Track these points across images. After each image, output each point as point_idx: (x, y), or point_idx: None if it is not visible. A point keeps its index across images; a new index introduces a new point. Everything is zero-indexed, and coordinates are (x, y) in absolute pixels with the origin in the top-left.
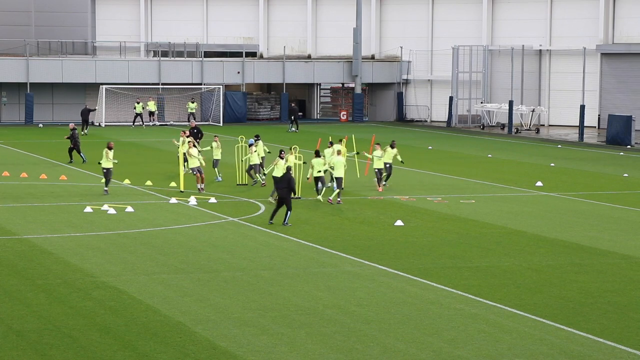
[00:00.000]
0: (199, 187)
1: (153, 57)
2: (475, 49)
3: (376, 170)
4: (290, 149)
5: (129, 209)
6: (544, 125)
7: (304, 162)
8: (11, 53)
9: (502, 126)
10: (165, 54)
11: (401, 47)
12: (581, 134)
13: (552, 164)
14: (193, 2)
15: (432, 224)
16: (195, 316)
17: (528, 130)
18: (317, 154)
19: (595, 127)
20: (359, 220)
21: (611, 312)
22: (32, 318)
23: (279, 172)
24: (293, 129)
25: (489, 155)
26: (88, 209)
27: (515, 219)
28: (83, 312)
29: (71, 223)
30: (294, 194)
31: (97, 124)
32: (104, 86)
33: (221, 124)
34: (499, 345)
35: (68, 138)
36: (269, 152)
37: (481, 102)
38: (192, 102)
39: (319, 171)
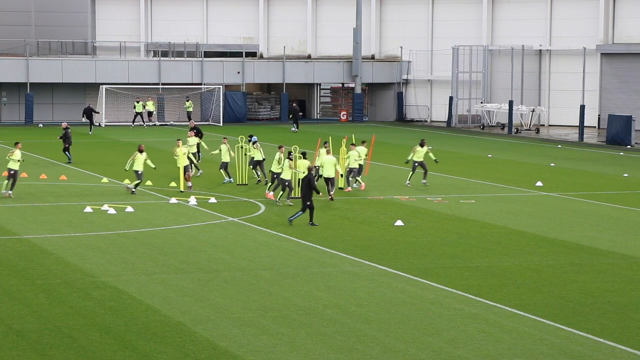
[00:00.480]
0: (189, 185)
1: (153, 57)
2: (475, 49)
3: (348, 169)
4: (288, 151)
5: (129, 209)
6: (544, 125)
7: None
8: (11, 53)
9: (502, 126)
10: (165, 54)
11: (401, 47)
12: (581, 134)
13: (552, 164)
14: (193, 2)
15: (432, 224)
16: (195, 316)
17: (528, 130)
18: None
19: (595, 127)
20: (359, 220)
21: (611, 312)
22: (32, 318)
23: (287, 174)
24: (293, 129)
25: (489, 155)
26: (88, 209)
27: (515, 219)
28: (83, 312)
29: (71, 223)
30: (317, 193)
31: (97, 123)
32: (104, 86)
33: (221, 124)
34: (499, 345)
35: (61, 138)
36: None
37: (481, 102)
38: (188, 101)
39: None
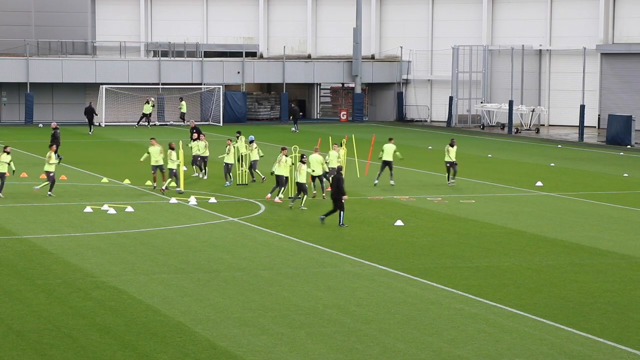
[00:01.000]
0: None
1: (153, 57)
2: (475, 49)
3: (330, 168)
4: (301, 154)
5: (129, 209)
6: (544, 125)
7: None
8: (11, 53)
9: (502, 126)
10: (165, 54)
11: (401, 47)
12: (581, 134)
13: (552, 164)
14: (193, 2)
15: (432, 224)
16: (195, 316)
17: (528, 130)
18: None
19: (595, 127)
20: (359, 220)
21: (611, 312)
22: (32, 318)
23: (302, 177)
24: (293, 129)
25: (489, 155)
26: (88, 209)
27: (515, 219)
28: (83, 312)
29: (71, 223)
30: (344, 194)
31: (97, 123)
32: (104, 86)
33: (221, 124)
34: (499, 345)
35: (52, 141)
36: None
37: (481, 102)
38: (181, 101)
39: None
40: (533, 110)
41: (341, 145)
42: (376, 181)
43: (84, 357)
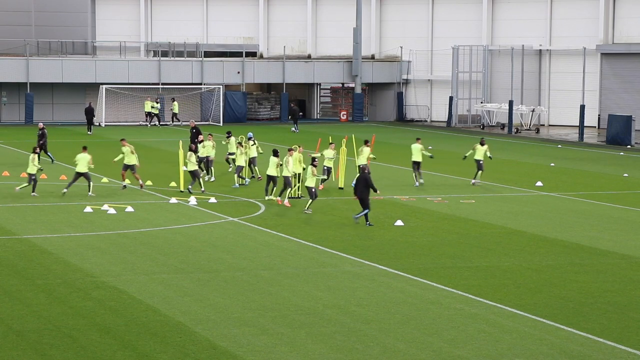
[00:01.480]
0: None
1: (153, 57)
2: (475, 49)
3: (325, 168)
4: (312, 157)
5: (129, 209)
6: (544, 125)
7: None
8: (11, 53)
9: (502, 126)
10: (165, 54)
11: (401, 47)
12: (581, 134)
13: (552, 164)
14: (193, 2)
15: (432, 224)
16: (195, 316)
17: (528, 130)
18: (275, 153)
19: (595, 127)
20: (359, 220)
21: (611, 312)
22: (32, 318)
23: (311, 182)
24: (293, 129)
25: (489, 156)
26: (88, 209)
27: (515, 219)
28: (83, 312)
29: (71, 223)
30: (375, 191)
31: (97, 123)
32: (104, 86)
33: (221, 124)
34: (499, 345)
35: (40, 141)
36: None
37: (481, 102)
38: (173, 101)
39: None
40: (533, 110)
41: (332, 144)
42: (417, 183)
43: (84, 357)
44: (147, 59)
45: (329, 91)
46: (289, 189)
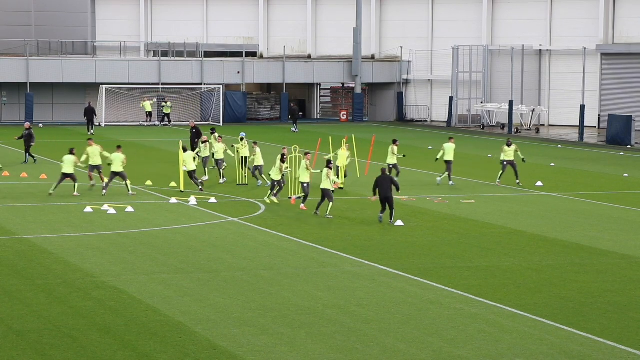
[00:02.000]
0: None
1: (153, 57)
2: (475, 49)
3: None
4: (327, 159)
5: (129, 209)
6: (544, 125)
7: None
8: (11, 53)
9: (502, 126)
10: (165, 54)
11: (401, 47)
12: (581, 134)
13: (552, 164)
14: (193, 2)
15: (432, 224)
16: (195, 316)
17: (528, 130)
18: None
19: (595, 127)
20: (359, 220)
21: (611, 312)
22: (32, 318)
23: (326, 183)
24: (293, 129)
25: (489, 155)
26: (88, 209)
27: (515, 219)
28: (83, 312)
29: (71, 223)
30: (398, 190)
31: (97, 123)
32: (104, 86)
33: (221, 124)
34: (499, 345)
35: (20, 138)
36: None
37: (481, 102)
38: (166, 102)
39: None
40: (533, 110)
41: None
42: (451, 182)
43: (84, 357)
44: (147, 59)
45: (329, 91)
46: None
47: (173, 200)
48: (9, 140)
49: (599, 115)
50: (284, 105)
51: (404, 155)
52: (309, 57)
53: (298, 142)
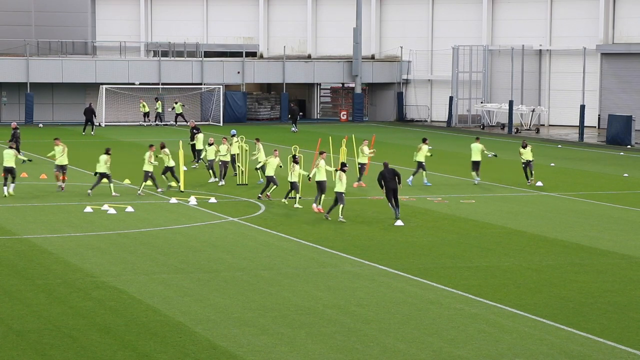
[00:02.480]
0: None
1: (153, 57)
2: (475, 49)
3: (359, 164)
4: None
5: (129, 209)
6: (544, 125)
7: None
8: (11, 53)
9: (502, 126)
10: (165, 54)
11: (401, 47)
12: (581, 134)
13: (552, 164)
14: (193, 2)
15: (432, 224)
16: (195, 316)
17: (528, 130)
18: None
19: (595, 127)
20: (359, 220)
21: (611, 312)
22: (32, 318)
23: (341, 186)
24: (293, 129)
25: (489, 156)
26: (88, 209)
27: (515, 219)
28: (83, 312)
29: (71, 223)
30: (400, 183)
31: (97, 123)
32: (104, 86)
33: (221, 124)
34: (499, 345)
35: (10, 141)
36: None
37: (481, 102)
38: (157, 101)
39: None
40: (533, 110)
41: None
42: (475, 181)
43: (84, 357)
44: (147, 59)
45: (329, 91)
46: (322, 195)
47: (173, 200)
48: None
49: (599, 115)
50: (284, 105)
51: (431, 155)
52: (309, 57)
53: (298, 142)
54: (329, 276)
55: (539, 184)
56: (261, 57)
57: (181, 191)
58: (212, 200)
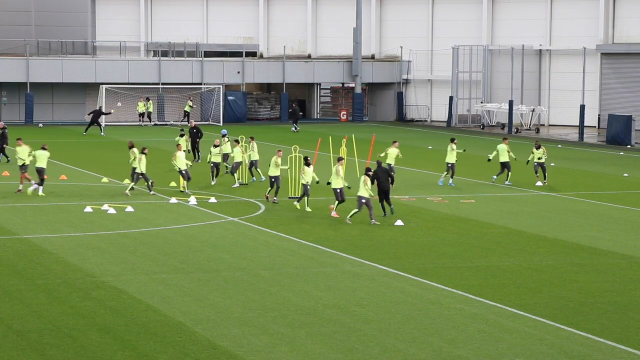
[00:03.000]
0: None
1: (153, 57)
2: (475, 48)
3: (388, 165)
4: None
5: (129, 209)
6: (544, 125)
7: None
8: (11, 53)
9: (502, 126)
10: (165, 53)
11: (401, 47)
12: (581, 133)
13: (552, 164)
14: (193, 2)
15: (432, 224)
16: (195, 316)
17: (528, 130)
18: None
19: (595, 127)
20: (359, 220)
21: (611, 312)
22: (32, 318)
23: (365, 192)
24: (293, 129)
25: (489, 155)
26: (88, 209)
27: (515, 219)
28: (83, 312)
29: (71, 223)
30: (392, 183)
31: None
32: (104, 86)
33: (221, 124)
34: (499, 345)
35: (2, 140)
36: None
37: (481, 102)
38: (148, 101)
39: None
40: (533, 110)
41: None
42: (495, 177)
43: (84, 357)
44: (147, 59)
45: (329, 91)
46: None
47: (173, 200)
48: (9, 140)
49: (599, 115)
50: (284, 105)
51: (464, 150)
52: (309, 57)
53: (298, 142)
54: (329, 276)
55: (539, 183)
56: (261, 57)
57: (181, 191)
58: (212, 200)
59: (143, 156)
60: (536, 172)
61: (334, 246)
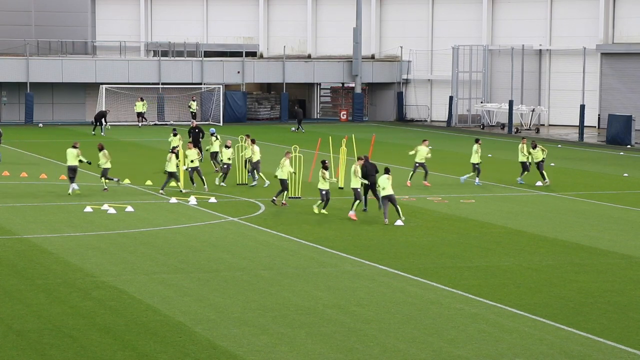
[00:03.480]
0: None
1: (153, 57)
2: (475, 48)
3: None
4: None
5: (129, 208)
6: (544, 125)
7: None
8: (11, 53)
9: (502, 126)
10: (165, 53)
11: (401, 47)
12: (581, 133)
13: (552, 164)
14: (193, 2)
15: (432, 224)
16: (195, 316)
17: (528, 130)
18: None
19: (595, 126)
20: (359, 220)
21: (611, 312)
22: (32, 318)
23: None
24: (293, 129)
25: (489, 155)
26: (88, 209)
27: (515, 219)
28: (83, 312)
29: (71, 223)
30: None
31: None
32: (104, 86)
33: (221, 124)
34: (499, 345)
35: None
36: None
37: (481, 102)
38: (142, 100)
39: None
40: (533, 110)
41: (424, 142)
42: (519, 178)
43: (84, 357)
44: (147, 59)
45: (329, 91)
46: (358, 201)
47: (173, 200)
48: (9, 140)
49: (598, 115)
50: (284, 105)
51: (489, 155)
52: (309, 57)
53: (298, 142)
54: (329, 276)
55: (539, 183)
56: (261, 57)
57: (181, 191)
58: (212, 200)
59: (173, 155)
60: (540, 172)
61: (334, 246)
